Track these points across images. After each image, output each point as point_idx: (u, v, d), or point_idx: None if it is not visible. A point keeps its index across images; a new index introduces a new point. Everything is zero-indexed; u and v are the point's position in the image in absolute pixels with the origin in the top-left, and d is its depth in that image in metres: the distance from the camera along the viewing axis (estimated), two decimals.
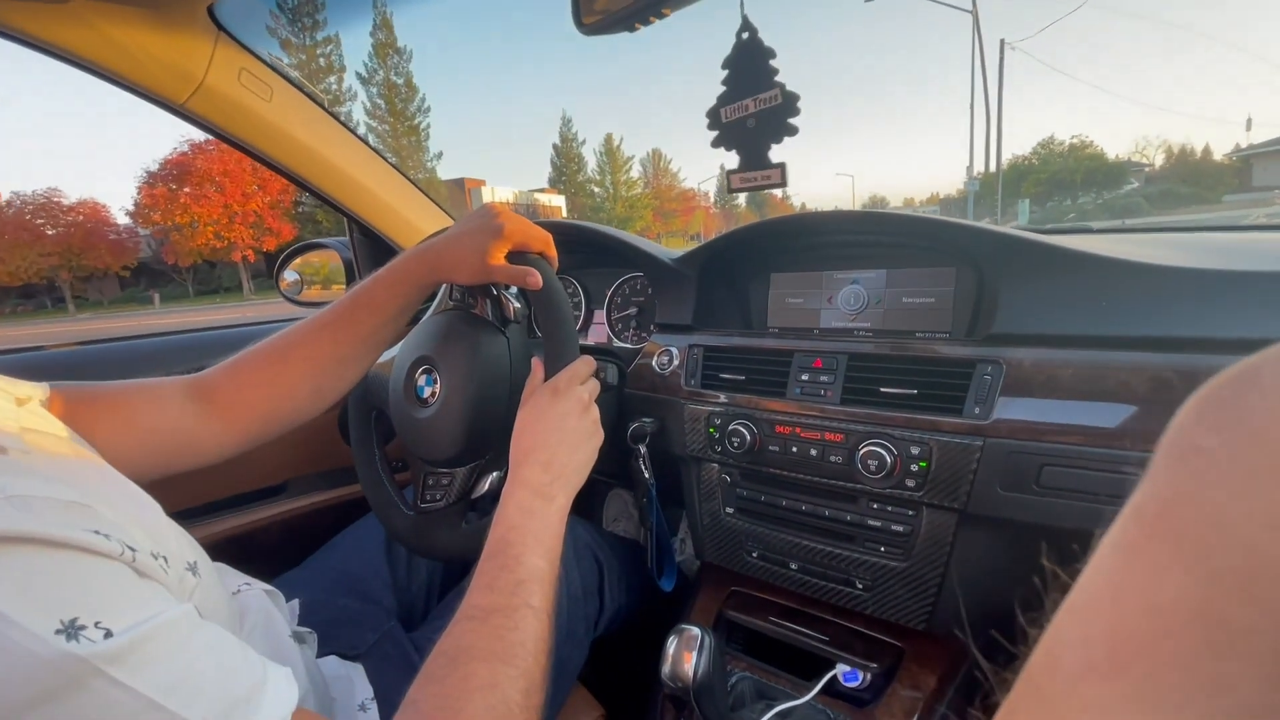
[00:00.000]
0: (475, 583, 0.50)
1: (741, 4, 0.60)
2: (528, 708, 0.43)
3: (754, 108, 0.61)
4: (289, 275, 1.15)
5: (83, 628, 0.26)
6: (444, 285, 0.84)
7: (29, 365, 0.89)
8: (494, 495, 0.80)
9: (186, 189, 26.50)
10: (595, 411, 0.67)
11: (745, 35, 0.60)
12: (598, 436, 0.66)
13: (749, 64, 0.60)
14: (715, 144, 0.64)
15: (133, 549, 0.30)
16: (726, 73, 0.62)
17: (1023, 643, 0.18)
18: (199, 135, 26.60)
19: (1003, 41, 22.67)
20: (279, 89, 0.85)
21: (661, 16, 0.62)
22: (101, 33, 0.68)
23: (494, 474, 0.80)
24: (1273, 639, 0.12)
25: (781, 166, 0.61)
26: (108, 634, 0.26)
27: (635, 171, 52.74)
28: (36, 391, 0.54)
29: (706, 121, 0.65)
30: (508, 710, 0.41)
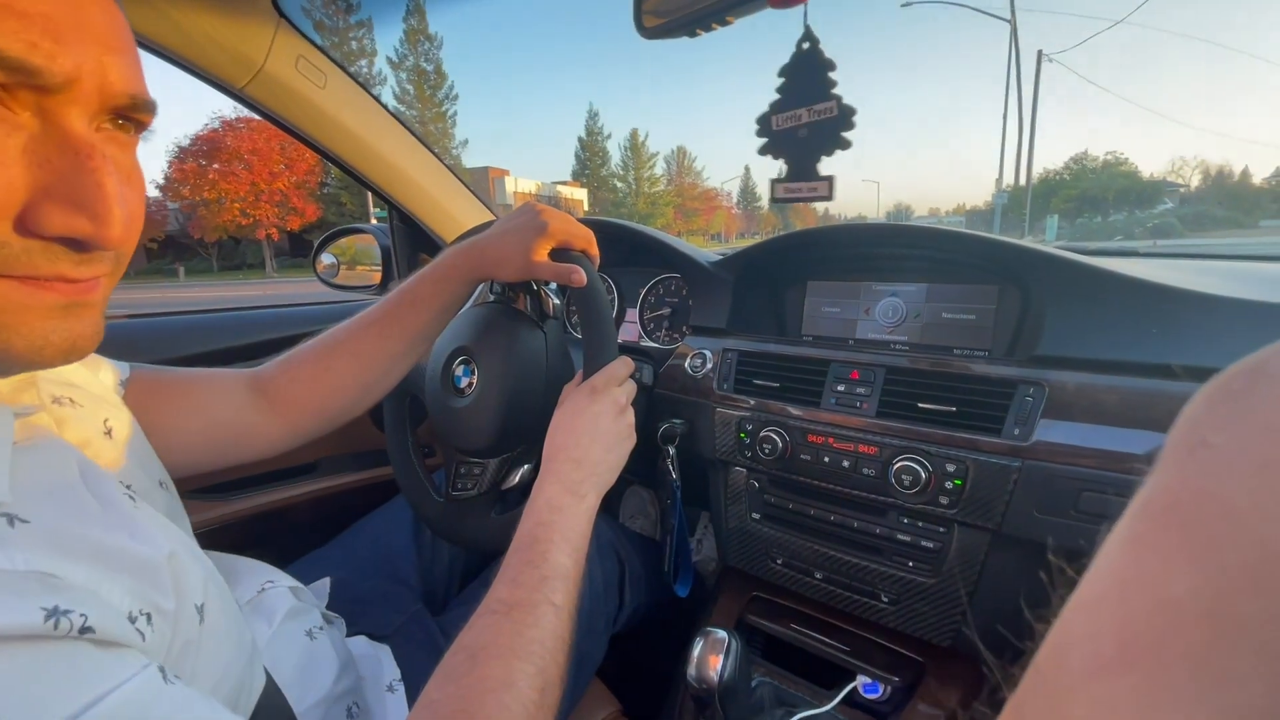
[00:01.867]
0: (501, 576, 0.50)
1: (805, 14, 0.60)
2: (543, 705, 0.43)
3: (807, 118, 0.60)
4: (326, 258, 1.17)
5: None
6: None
7: None
8: (524, 488, 0.81)
9: (216, 165, 26.86)
10: (631, 415, 0.67)
11: (806, 45, 0.60)
12: (631, 439, 0.66)
13: (808, 74, 0.59)
14: (763, 151, 0.63)
15: (90, 625, 0.27)
16: (782, 81, 0.62)
17: (1030, 638, 0.18)
18: (230, 113, 27.04)
19: (1040, 53, 22.31)
20: (333, 77, 0.87)
21: (725, 24, 0.62)
22: (170, 18, 0.70)
23: (525, 467, 0.81)
24: None
25: (830, 180, 0.60)
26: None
27: (659, 168, 52.73)
28: (117, 372, 0.56)
29: (756, 128, 0.65)
30: (523, 709, 0.41)
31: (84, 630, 0.26)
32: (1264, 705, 0.12)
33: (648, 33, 0.65)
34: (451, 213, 1.07)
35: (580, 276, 0.68)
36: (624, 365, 0.69)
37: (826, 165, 0.60)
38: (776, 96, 0.62)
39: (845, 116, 0.58)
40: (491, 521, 0.81)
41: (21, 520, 0.28)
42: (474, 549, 0.91)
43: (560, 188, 42.81)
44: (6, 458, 0.31)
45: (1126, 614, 0.14)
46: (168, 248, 31.42)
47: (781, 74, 0.62)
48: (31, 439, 0.35)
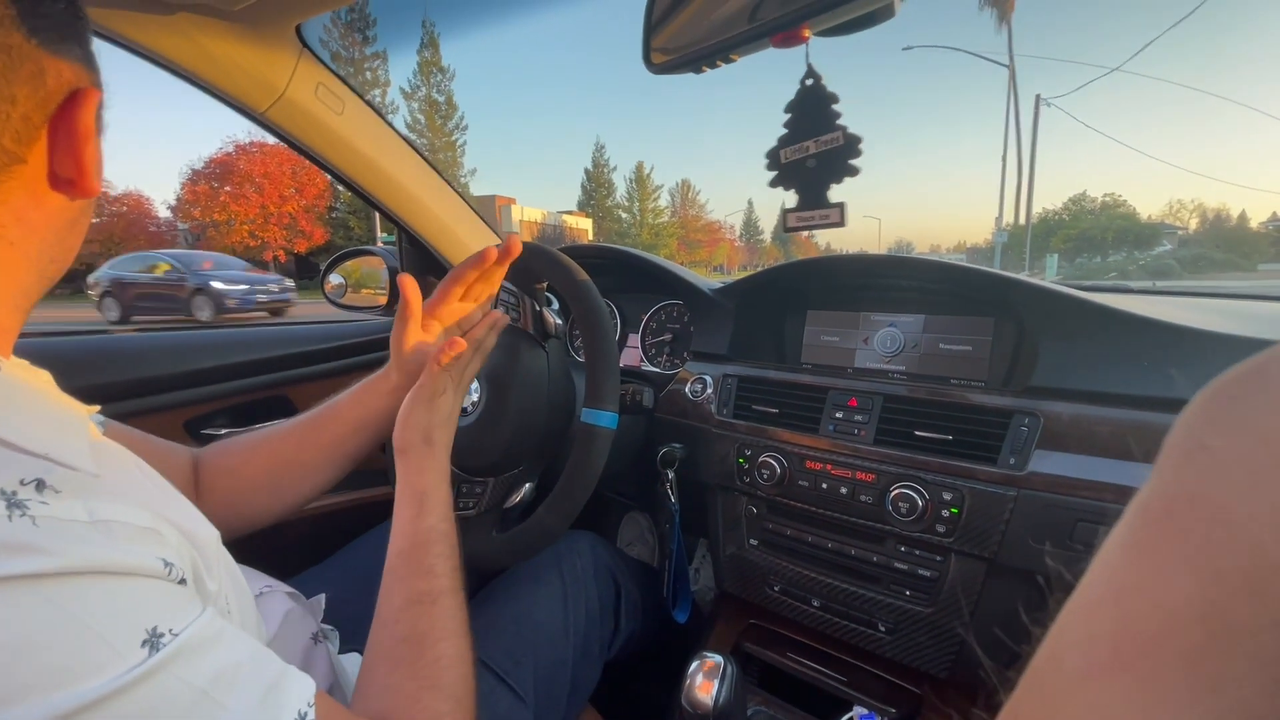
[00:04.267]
0: (406, 566, 0.54)
1: (806, 52, 0.63)
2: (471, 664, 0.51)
3: (815, 149, 0.62)
4: (334, 279, 1.19)
5: (160, 635, 0.28)
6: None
7: (43, 351, 0.91)
8: (526, 506, 0.82)
9: (228, 188, 27.24)
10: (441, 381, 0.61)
11: (809, 81, 0.63)
12: (431, 383, 0.60)
13: (812, 108, 0.61)
14: (774, 184, 0.65)
15: (185, 571, 0.33)
16: (789, 116, 0.64)
17: (1026, 641, 0.18)
18: (243, 136, 27.50)
19: (1038, 97, 22.78)
20: (350, 104, 0.90)
21: (729, 61, 0.65)
22: (198, 43, 0.73)
23: (527, 485, 0.81)
24: (1276, 638, 0.12)
25: (840, 206, 0.61)
26: (174, 636, 0.29)
27: (663, 200, 53.46)
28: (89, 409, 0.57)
29: (765, 162, 0.66)
30: (470, 676, 0.50)
31: (181, 581, 0.32)
32: (1257, 709, 0.12)
33: (656, 69, 0.67)
34: (460, 236, 1.09)
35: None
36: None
37: (836, 193, 0.62)
38: (784, 131, 0.65)
39: (852, 145, 0.60)
40: (492, 540, 0.81)
41: (117, 490, 0.33)
42: (474, 567, 0.91)
43: (565, 217, 43.34)
44: (84, 437, 0.34)
45: (1122, 617, 0.14)
46: None
47: (787, 110, 0.64)
48: (97, 439, 0.38)
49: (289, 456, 0.67)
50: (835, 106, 0.61)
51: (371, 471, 1.15)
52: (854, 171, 0.60)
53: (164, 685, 0.28)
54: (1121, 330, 0.65)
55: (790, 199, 0.64)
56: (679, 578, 0.94)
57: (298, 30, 0.79)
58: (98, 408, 0.40)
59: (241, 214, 27.19)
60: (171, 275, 12.72)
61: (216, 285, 12.03)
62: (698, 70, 0.66)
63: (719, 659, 0.64)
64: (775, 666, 0.86)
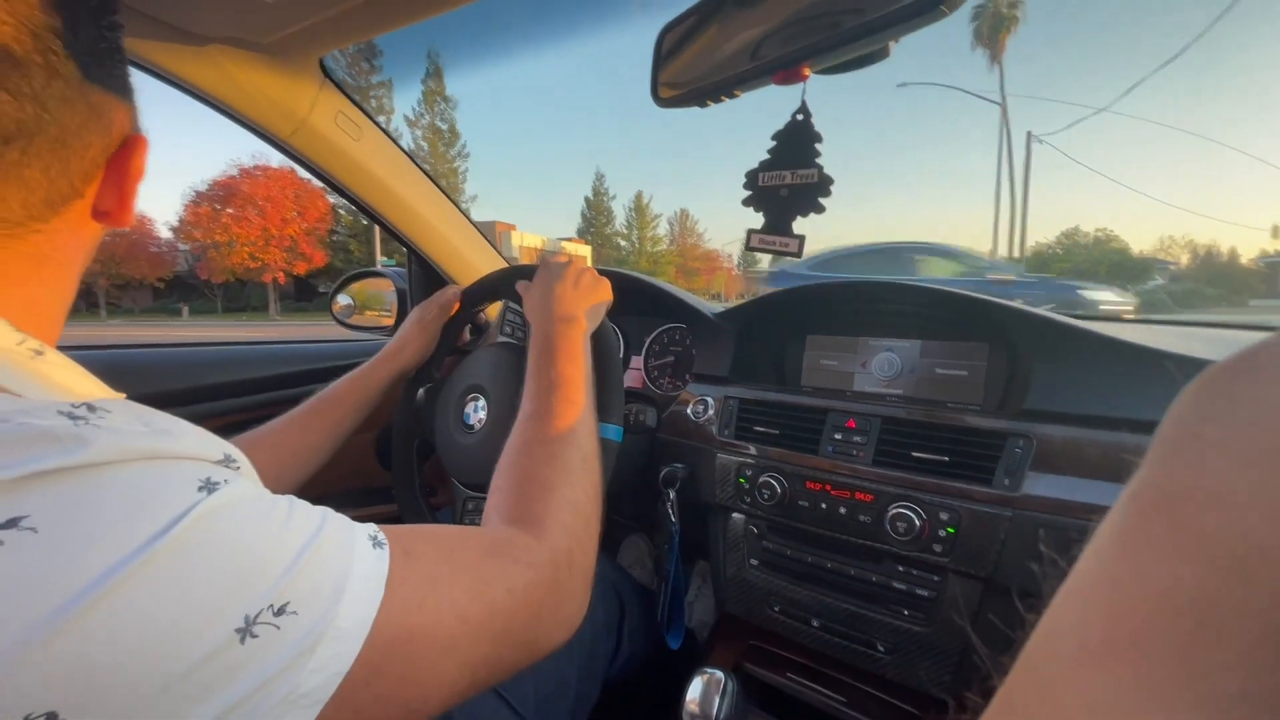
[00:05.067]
0: (525, 396, 0.61)
1: (803, 90, 0.66)
2: (585, 469, 0.54)
3: (790, 180, 0.65)
4: (343, 299, 1.22)
5: (215, 484, 0.29)
6: (497, 318, 0.90)
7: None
8: None
9: (230, 210, 27.47)
10: (590, 270, 0.76)
11: (800, 117, 0.66)
12: (601, 282, 0.76)
13: (797, 141, 0.65)
14: (746, 203, 0.68)
15: (249, 472, 0.34)
16: (774, 144, 0.67)
17: (1020, 628, 0.18)
18: (248, 159, 27.86)
19: (1029, 134, 23.30)
20: (367, 131, 0.93)
21: (733, 96, 0.68)
22: (227, 73, 0.76)
23: None
24: (1268, 624, 0.12)
25: (800, 238, 0.65)
26: (227, 484, 0.30)
27: (662, 229, 53.99)
28: None
29: (744, 180, 0.70)
30: (570, 472, 0.52)
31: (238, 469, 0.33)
32: (1249, 694, 0.12)
33: (663, 102, 0.71)
34: (469, 259, 1.13)
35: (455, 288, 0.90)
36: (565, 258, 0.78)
37: (800, 225, 0.66)
38: (766, 156, 0.68)
39: (824, 184, 0.64)
40: None
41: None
42: None
43: (565, 244, 43.71)
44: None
45: (1115, 604, 0.14)
46: (174, 288, 31.77)
47: (775, 138, 0.67)
48: None
49: (294, 444, 0.75)
50: (818, 145, 0.64)
51: (379, 489, 1.16)
52: (820, 209, 0.63)
53: (229, 516, 0.28)
54: (1111, 356, 0.67)
55: (757, 221, 0.67)
56: (675, 601, 0.94)
57: (320, 62, 0.83)
58: (124, 396, 0.41)
59: (243, 236, 27.40)
60: None
61: None
62: (703, 104, 0.70)
63: (720, 674, 0.65)
64: (775, 687, 0.86)
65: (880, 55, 0.56)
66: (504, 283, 0.88)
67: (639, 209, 50.30)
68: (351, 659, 0.29)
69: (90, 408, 0.28)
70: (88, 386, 0.34)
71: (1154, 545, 0.14)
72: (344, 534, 0.33)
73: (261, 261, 28.06)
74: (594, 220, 49.05)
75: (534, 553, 0.43)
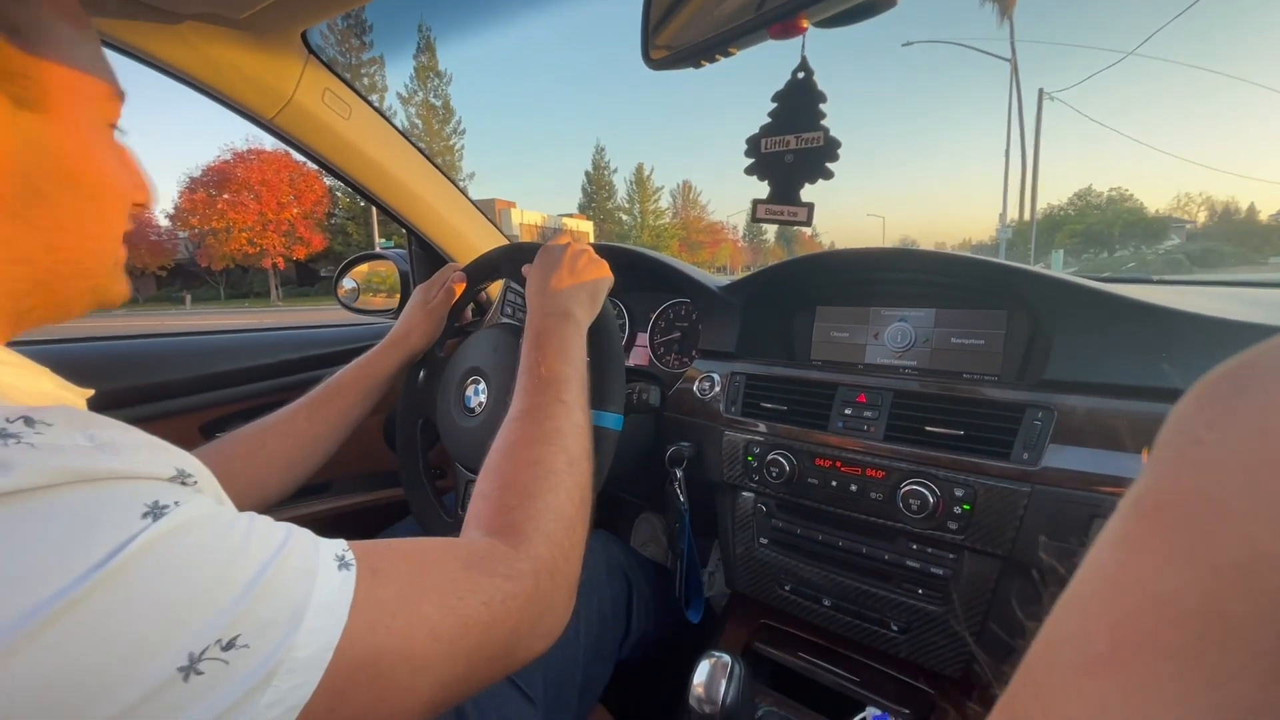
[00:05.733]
0: (515, 395, 0.59)
1: (803, 44, 0.62)
2: (573, 473, 0.51)
3: (795, 145, 0.61)
4: (347, 283, 1.20)
5: (164, 507, 0.27)
6: (498, 298, 0.88)
7: (58, 357, 0.92)
8: None
9: (225, 195, 27.31)
10: (588, 251, 0.74)
11: (801, 75, 0.62)
12: (596, 264, 0.73)
13: (799, 102, 0.61)
14: (749, 171, 0.64)
15: (207, 489, 0.32)
16: (775, 106, 0.63)
17: (1021, 636, 0.18)
18: (241, 144, 27.65)
19: (1041, 91, 22.70)
20: (357, 109, 0.90)
21: (727, 55, 0.64)
22: (205, 52, 0.73)
23: None
24: (1271, 632, 0.12)
25: (809, 206, 0.61)
26: (177, 506, 0.28)
27: (664, 202, 53.55)
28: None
29: (745, 148, 0.66)
30: (555, 477, 0.50)
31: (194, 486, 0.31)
32: (1251, 703, 0.12)
33: (655, 64, 0.67)
34: (469, 238, 1.10)
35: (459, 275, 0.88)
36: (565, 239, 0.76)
37: (808, 192, 0.62)
38: (768, 120, 0.64)
39: (831, 147, 0.60)
40: None
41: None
42: None
43: (566, 220, 43.39)
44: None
45: (1117, 612, 0.14)
46: (176, 276, 31.85)
47: (775, 99, 0.63)
48: None
49: (301, 432, 0.75)
50: (822, 106, 0.60)
51: (386, 473, 1.16)
52: (829, 175, 0.59)
53: (176, 545, 0.26)
54: (1138, 320, 0.64)
55: (763, 190, 0.64)
56: (690, 577, 0.94)
57: (303, 37, 0.80)
58: (91, 392, 0.39)
59: (240, 221, 27.32)
60: None
61: None
62: (696, 65, 0.66)
63: (727, 657, 0.64)
64: (787, 666, 0.85)
65: (886, 5, 0.51)
66: (505, 261, 0.85)
67: (640, 182, 49.79)
68: (311, 689, 0.28)
69: (28, 421, 0.26)
70: (42, 385, 0.33)
71: (1156, 552, 0.14)
72: (305, 556, 0.31)
73: (260, 247, 27.98)
74: (595, 195, 48.63)
75: (513, 564, 0.41)
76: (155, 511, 0.26)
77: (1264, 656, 0.12)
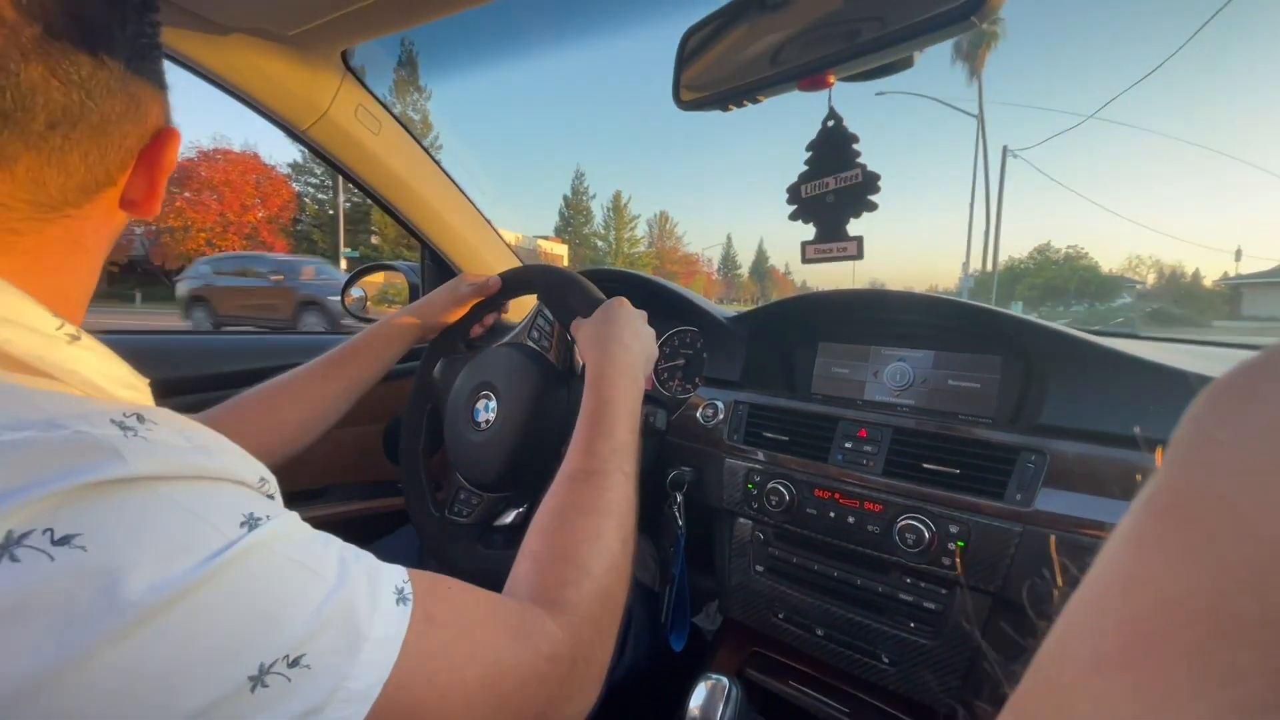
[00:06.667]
0: (574, 447, 0.58)
1: (829, 96, 0.66)
2: (625, 554, 0.51)
3: (834, 185, 0.65)
4: (355, 292, 1.21)
5: (257, 519, 0.29)
6: (524, 323, 0.89)
7: None
8: (515, 527, 0.83)
9: (186, 194, 26.30)
10: (644, 314, 0.76)
11: (831, 123, 0.67)
12: (651, 334, 0.75)
13: (832, 147, 0.65)
14: (793, 217, 0.67)
15: (275, 493, 0.35)
16: (809, 154, 0.67)
17: (1031, 635, 0.18)
18: (208, 144, 26.85)
19: (1005, 148, 23.82)
20: (386, 125, 0.93)
21: (755, 101, 0.68)
22: (251, 63, 0.75)
23: (517, 510, 0.83)
24: None
25: (859, 239, 0.64)
26: (269, 519, 0.30)
27: (640, 230, 54.07)
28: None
29: (786, 196, 0.70)
30: (611, 556, 0.49)
31: (271, 496, 0.34)
32: (1263, 701, 0.12)
33: (685, 105, 0.71)
34: (484, 256, 1.12)
35: (496, 281, 0.87)
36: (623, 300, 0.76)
37: (854, 226, 0.66)
38: (804, 168, 0.68)
39: (871, 181, 0.63)
40: (477, 553, 0.81)
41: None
42: (453, 573, 0.91)
43: (541, 241, 43.39)
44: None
45: (1129, 611, 0.14)
46: (130, 272, 30.74)
47: (809, 148, 0.68)
48: None
49: (315, 392, 0.77)
50: (855, 146, 0.64)
51: (385, 482, 1.16)
52: (872, 207, 0.63)
53: (264, 558, 0.28)
54: (1128, 373, 0.68)
55: (809, 233, 0.68)
56: (679, 605, 0.94)
57: (343, 55, 0.83)
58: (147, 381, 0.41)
59: (199, 221, 26.42)
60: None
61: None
62: (724, 108, 0.70)
63: (724, 680, 0.65)
64: (777, 694, 0.86)
65: (904, 64, 0.56)
66: (544, 284, 0.83)
67: (617, 209, 50.25)
68: None
69: (140, 418, 0.28)
70: (119, 370, 0.35)
71: (1168, 550, 0.14)
72: (370, 583, 0.32)
73: (219, 248, 27.01)
74: (572, 219, 48.84)
75: (558, 645, 0.41)
76: (250, 522, 0.28)
77: (1276, 655, 0.12)
